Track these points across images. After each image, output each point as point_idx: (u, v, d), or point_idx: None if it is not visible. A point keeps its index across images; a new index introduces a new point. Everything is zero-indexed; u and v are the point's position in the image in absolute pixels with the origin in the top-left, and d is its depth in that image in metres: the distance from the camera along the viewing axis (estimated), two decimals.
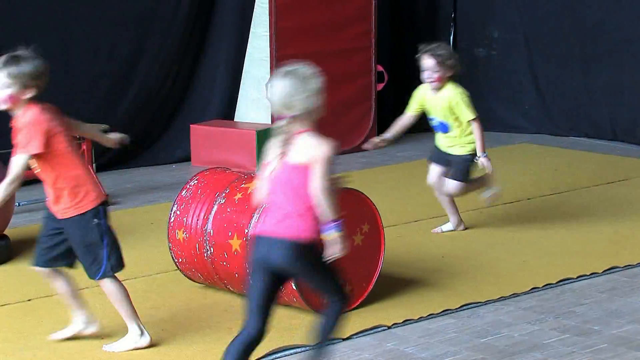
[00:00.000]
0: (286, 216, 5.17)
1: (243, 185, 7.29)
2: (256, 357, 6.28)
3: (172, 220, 7.49)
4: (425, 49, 9.01)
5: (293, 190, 5.21)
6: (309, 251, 5.18)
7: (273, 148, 5.56)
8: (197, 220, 7.32)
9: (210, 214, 7.26)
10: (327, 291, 5.36)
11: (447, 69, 8.82)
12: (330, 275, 5.33)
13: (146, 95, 11.89)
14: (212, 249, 7.23)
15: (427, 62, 8.89)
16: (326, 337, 5.45)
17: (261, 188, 5.46)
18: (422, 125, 13.29)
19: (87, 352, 6.52)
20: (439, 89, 8.83)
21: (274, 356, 6.42)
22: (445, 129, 8.90)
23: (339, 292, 5.37)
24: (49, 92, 11.21)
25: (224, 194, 7.33)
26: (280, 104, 5.46)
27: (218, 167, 7.95)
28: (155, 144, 12.08)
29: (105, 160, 11.22)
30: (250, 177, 7.47)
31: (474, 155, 8.67)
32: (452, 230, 9.04)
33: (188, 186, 7.67)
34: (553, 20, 12.71)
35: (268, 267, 5.20)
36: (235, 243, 7.09)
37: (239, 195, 7.23)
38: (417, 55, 9.00)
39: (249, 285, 5.36)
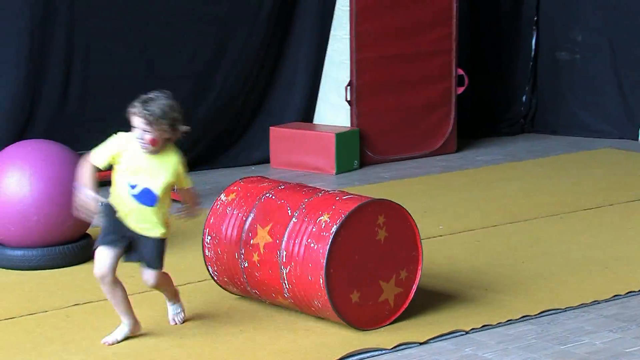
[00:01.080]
0: None
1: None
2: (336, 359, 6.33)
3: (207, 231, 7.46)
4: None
5: None
6: None
7: None
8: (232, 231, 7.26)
9: (244, 225, 7.22)
10: None
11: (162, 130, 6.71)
12: None
13: (227, 97, 11.92)
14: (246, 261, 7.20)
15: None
16: None
17: None
18: (502, 130, 13.31)
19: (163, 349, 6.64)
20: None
21: (351, 359, 6.39)
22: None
23: None
24: (131, 94, 11.33)
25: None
26: None
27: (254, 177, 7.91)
28: (234, 146, 12.11)
29: (191, 158, 11.08)
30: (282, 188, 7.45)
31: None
32: None
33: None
34: (638, 23, 12.60)
35: None
36: (282, 300, 7.12)
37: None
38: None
39: None
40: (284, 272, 6.79)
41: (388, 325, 6.82)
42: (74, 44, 10.92)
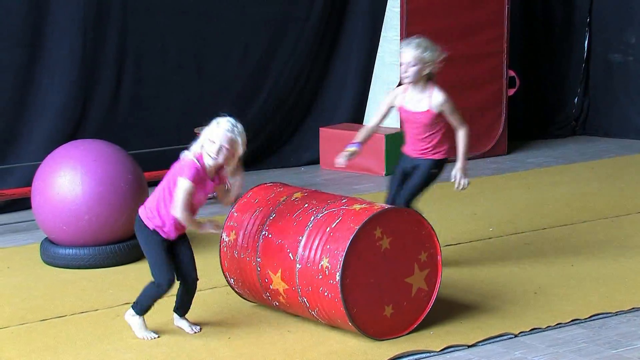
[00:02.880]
0: None
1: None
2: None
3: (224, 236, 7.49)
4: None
5: None
6: None
7: None
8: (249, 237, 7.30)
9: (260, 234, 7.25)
10: None
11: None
12: None
13: (277, 97, 11.98)
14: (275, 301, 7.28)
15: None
16: None
17: None
18: (553, 132, 13.27)
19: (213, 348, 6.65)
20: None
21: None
22: None
23: None
24: (183, 95, 11.37)
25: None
26: None
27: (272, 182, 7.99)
28: (285, 147, 12.17)
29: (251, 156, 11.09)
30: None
31: None
32: None
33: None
34: None
35: None
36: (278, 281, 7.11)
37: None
38: None
39: None
40: (314, 313, 6.91)
41: (435, 327, 6.85)
42: (126, 46, 11.00)
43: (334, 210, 6.87)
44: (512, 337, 6.70)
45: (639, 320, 7.02)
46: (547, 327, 6.87)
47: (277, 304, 7.23)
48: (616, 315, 7.12)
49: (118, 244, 8.51)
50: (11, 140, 10.39)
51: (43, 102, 10.53)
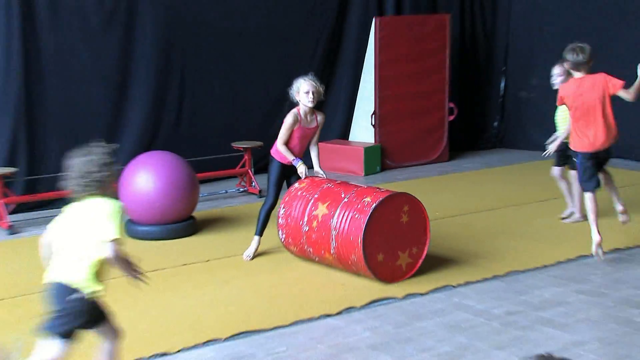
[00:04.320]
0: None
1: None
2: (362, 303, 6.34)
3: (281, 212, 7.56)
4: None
5: None
6: None
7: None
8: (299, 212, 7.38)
9: (307, 208, 7.34)
10: None
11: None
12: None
13: None
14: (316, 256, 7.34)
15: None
16: None
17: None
18: (480, 145, 13.25)
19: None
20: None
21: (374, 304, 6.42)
22: None
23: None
24: (222, 118, 11.22)
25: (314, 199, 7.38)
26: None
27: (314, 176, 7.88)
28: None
29: (262, 166, 11.07)
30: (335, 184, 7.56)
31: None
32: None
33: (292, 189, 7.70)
34: None
35: None
36: (329, 256, 7.22)
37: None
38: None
39: None
40: (334, 234, 6.94)
41: (400, 282, 6.89)
42: (184, 84, 10.95)
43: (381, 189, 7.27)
44: (451, 288, 6.76)
45: (540, 276, 7.09)
46: (476, 280, 6.93)
47: (311, 250, 7.29)
48: (523, 272, 7.17)
49: (177, 223, 8.59)
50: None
51: (129, 124, 10.58)
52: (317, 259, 7.33)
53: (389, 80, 11.85)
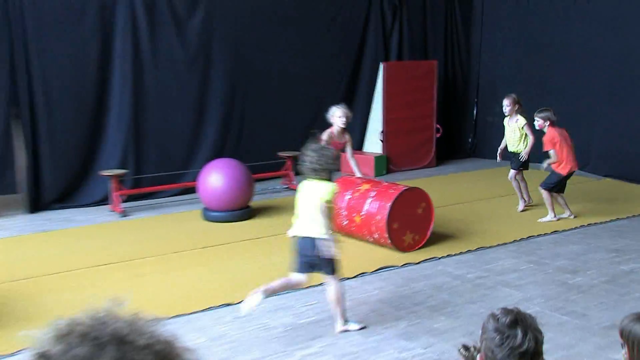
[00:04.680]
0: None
1: (358, 188, 7.43)
2: (375, 268, 6.45)
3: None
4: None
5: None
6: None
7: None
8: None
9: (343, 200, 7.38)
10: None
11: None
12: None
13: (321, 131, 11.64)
14: (346, 220, 7.36)
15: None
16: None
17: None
18: (458, 156, 13.14)
19: None
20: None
21: (382, 270, 6.48)
22: None
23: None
24: (272, 130, 11.13)
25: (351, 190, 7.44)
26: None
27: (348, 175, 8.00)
28: None
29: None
30: (365, 182, 7.62)
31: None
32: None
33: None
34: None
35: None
36: (357, 218, 7.27)
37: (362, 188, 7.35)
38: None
39: None
40: (369, 200, 7.12)
41: (399, 254, 6.93)
42: (245, 108, 10.85)
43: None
44: (437, 259, 6.83)
45: (501, 250, 7.13)
46: (455, 253, 6.99)
47: (345, 212, 7.33)
48: (490, 247, 7.21)
49: (238, 210, 8.55)
50: (190, 158, 10.37)
51: (205, 139, 10.53)
52: (346, 222, 7.35)
53: (392, 107, 11.83)
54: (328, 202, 4.91)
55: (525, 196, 8.76)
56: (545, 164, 8.13)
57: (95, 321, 1.25)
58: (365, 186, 7.36)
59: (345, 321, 5.13)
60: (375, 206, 7.04)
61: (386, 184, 7.44)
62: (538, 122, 8.07)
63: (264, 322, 5.35)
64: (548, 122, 7.99)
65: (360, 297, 5.83)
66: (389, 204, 6.89)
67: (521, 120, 8.50)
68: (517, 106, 8.53)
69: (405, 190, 7.07)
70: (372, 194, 7.14)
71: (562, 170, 8.02)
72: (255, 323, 5.32)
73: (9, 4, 8.81)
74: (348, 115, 7.59)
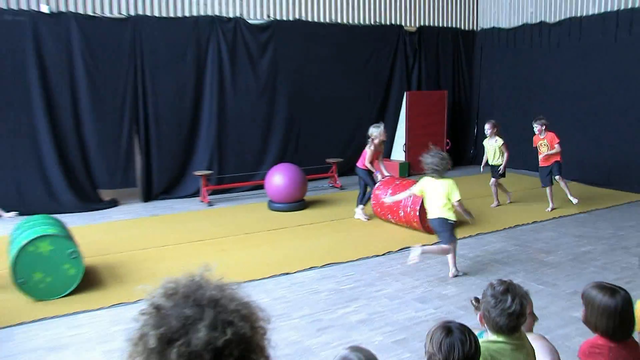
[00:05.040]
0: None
1: (397, 183, 7.34)
2: (398, 248, 6.36)
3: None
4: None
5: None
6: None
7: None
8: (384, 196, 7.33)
9: (386, 195, 7.30)
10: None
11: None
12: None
13: (360, 143, 11.27)
14: (386, 210, 7.28)
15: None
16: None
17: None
18: (463, 164, 12.98)
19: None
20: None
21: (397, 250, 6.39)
22: None
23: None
24: (322, 140, 11.03)
25: (391, 187, 7.37)
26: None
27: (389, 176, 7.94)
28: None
29: (342, 172, 10.84)
30: (403, 182, 7.52)
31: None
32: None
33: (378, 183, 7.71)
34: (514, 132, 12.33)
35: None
36: (395, 213, 7.21)
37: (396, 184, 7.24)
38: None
39: None
40: (401, 213, 7.06)
41: (419, 239, 6.80)
42: (302, 124, 10.72)
43: None
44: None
45: (494, 235, 6.96)
46: (459, 238, 6.74)
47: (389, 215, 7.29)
48: (485, 233, 7.06)
49: (296, 202, 8.48)
50: (259, 162, 10.28)
51: (270, 148, 10.45)
52: (390, 215, 7.32)
53: (413, 126, 11.70)
54: (459, 200, 5.37)
55: (499, 198, 8.64)
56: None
57: (194, 284, 1.27)
58: (403, 182, 7.41)
59: (456, 270, 5.56)
60: (413, 199, 7.03)
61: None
62: (537, 127, 8.07)
63: (313, 287, 5.35)
64: (544, 126, 8.05)
65: (387, 270, 5.80)
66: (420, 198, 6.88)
67: (499, 140, 8.37)
68: (495, 129, 8.37)
69: None
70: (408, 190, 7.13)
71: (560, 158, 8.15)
72: (306, 288, 5.33)
73: (136, 49, 9.06)
74: (386, 132, 7.83)
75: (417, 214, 6.91)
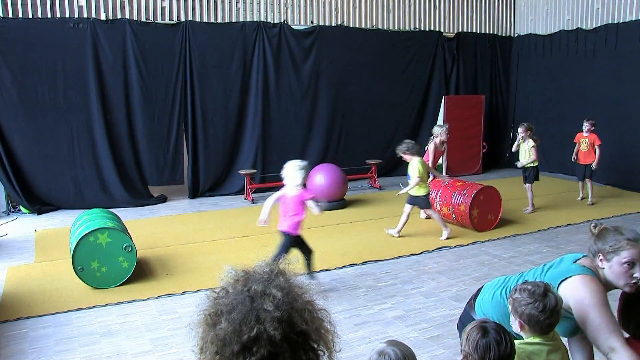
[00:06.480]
0: None
1: (444, 185, 7.28)
2: (433, 247, 6.31)
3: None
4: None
5: None
6: None
7: None
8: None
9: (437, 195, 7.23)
10: None
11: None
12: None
13: (396, 142, 11.63)
14: (440, 205, 7.20)
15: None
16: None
17: None
18: (499, 165, 12.77)
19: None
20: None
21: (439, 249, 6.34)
22: None
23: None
24: (361, 140, 10.95)
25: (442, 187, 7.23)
26: None
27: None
28: (390, 165, 11.55)
29: (382, 172, 10.86)
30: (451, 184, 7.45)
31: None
32: None
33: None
34: (545, 128, 12.08)
35: None
36: (445, 208, 7.14)
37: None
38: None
39: None
40: (451, 210, 7.00)
41: (454, 238, 6.73)
42: (343, 126, 10.74)
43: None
44: (481, 242, 6.63)
45: (528, 236, 6.82)
46: (494, 238, 6.74)
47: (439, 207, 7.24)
48: (520, 235, 6.91)
49: (337, 201, 8.50)
50: None
51: (312, 148, 10.47)
52: (439, 206, 7.27)
53: (452, 129, 11.28)
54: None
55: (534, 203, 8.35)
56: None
57: (262, 275, 1.33)
58: (458, 183, 7.35)
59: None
60: (465, 194, 7.03)
61: (469, 183, 7.36)
62: (587, 126, 8.42)
63: (352, 283, 5.35)
64: (593, 127, 8.45)
65: (423, 268, 5.77)
66: (472, 194, 6.96)
67: (530, 142, 8.13)
68: (528, 132, 8.12)
69: (486, 186, 7.15)
70: (461, 187, 7.19)
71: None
72: (345, 284, 5.33)
73: (186, 54, 9.22)
74: (447, 132, 7.89)
75: (471, 199, 6.96)
